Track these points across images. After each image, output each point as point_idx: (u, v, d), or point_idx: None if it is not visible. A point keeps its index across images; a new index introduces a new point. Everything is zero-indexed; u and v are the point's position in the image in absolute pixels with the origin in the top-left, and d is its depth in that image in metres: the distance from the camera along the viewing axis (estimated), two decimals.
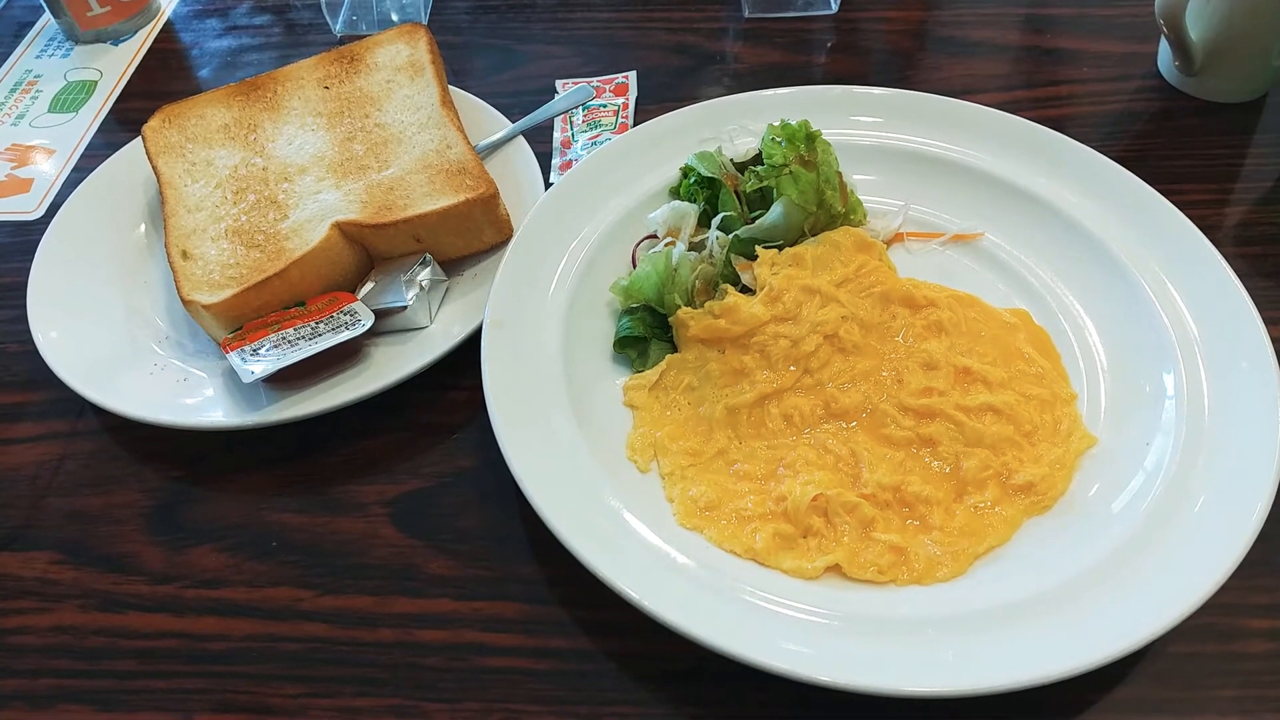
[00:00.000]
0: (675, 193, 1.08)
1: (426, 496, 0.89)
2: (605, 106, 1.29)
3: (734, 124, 1.12)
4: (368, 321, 0.96)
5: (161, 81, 1.43)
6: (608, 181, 1.08)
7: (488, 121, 1.20)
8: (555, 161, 1.23)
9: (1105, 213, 1.02)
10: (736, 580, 0.76)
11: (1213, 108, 1.23)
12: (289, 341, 0.96)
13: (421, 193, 1.04)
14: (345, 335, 0.95)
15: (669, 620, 0.71)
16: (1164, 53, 1.28)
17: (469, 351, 0.91)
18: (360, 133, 1.13)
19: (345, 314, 0.98)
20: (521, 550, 0.84)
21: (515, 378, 0.91)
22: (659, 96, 1.23)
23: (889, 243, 1.07)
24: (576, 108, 1.27)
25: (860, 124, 1.13)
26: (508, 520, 0.86)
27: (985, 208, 1.06)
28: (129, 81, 1.44)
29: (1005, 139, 1.10)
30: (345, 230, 1.02)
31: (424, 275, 1.01)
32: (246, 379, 0.92)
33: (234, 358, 0.94)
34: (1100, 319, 0.97)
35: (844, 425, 0.88)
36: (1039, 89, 1.29)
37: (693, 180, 1.06)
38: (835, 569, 0.78)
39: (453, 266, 1.06)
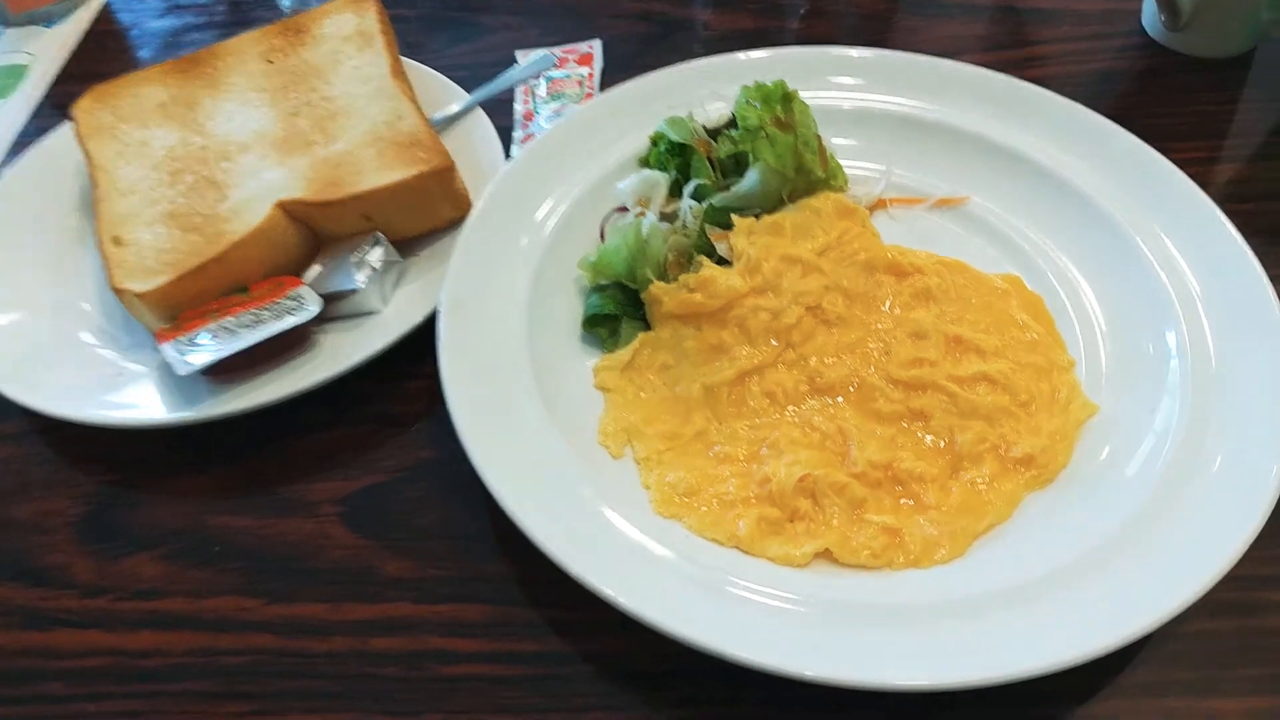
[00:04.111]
0: (645, 162, 1.02)
1: (382, 493, 0.84)
2: (569, 77, 1.22)
3: (705, 89, 1.06)
4: (314, 307, 0.89)
5: (98, 64, 1.34)
6: (573, 152, 1.02)
7: (443, 94, 1.13)
8: (517, 135, 1.16)
9: (1096, 170, 0.98)
10: (719, 571, 0.72)
11: (1199, 64, 1.19)
12: (229, 330, 0.89)
13: (371, 167, 0.97)
14: (290, 322, 0.88)
15: (648, 618, 0.66)
16: (1148, 8, 1.24)
17: (427, 336, 0.85)
18: (306, 107, 1.05)
19: (290, 299, 0.91)
20: (486, 547, 0.79)
21: (475, 362, 0.84)
22: (625, 66, 1.16)
23: (871, 209, 1.01)
24: (538, 77, 1.21)
25: (838, 86, 1.08)
26: (471, 516, 0.81)
27: (971, 170, 1.02)
28: (64, 65, 1.35)
29: (989, 97, 1.05)
30: (289, 210, 0.95)
31: (376, 256, 0.94)
32: (182, 371, 0.85)
33: (168, 349, 0.87)
34: (1096, 280, 0.93)
35: (830, 401, 0.83)
36: (1019, 49, 1.24)
37: (663, 148, 1.00)
38: (825, 555, 0.74)
39: (408, 247, 0.99)
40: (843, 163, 1.02)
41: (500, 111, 1.15)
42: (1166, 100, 1.15)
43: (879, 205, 1.02)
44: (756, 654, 0.66)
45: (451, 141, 1.07)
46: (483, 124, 1.09)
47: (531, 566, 0.72)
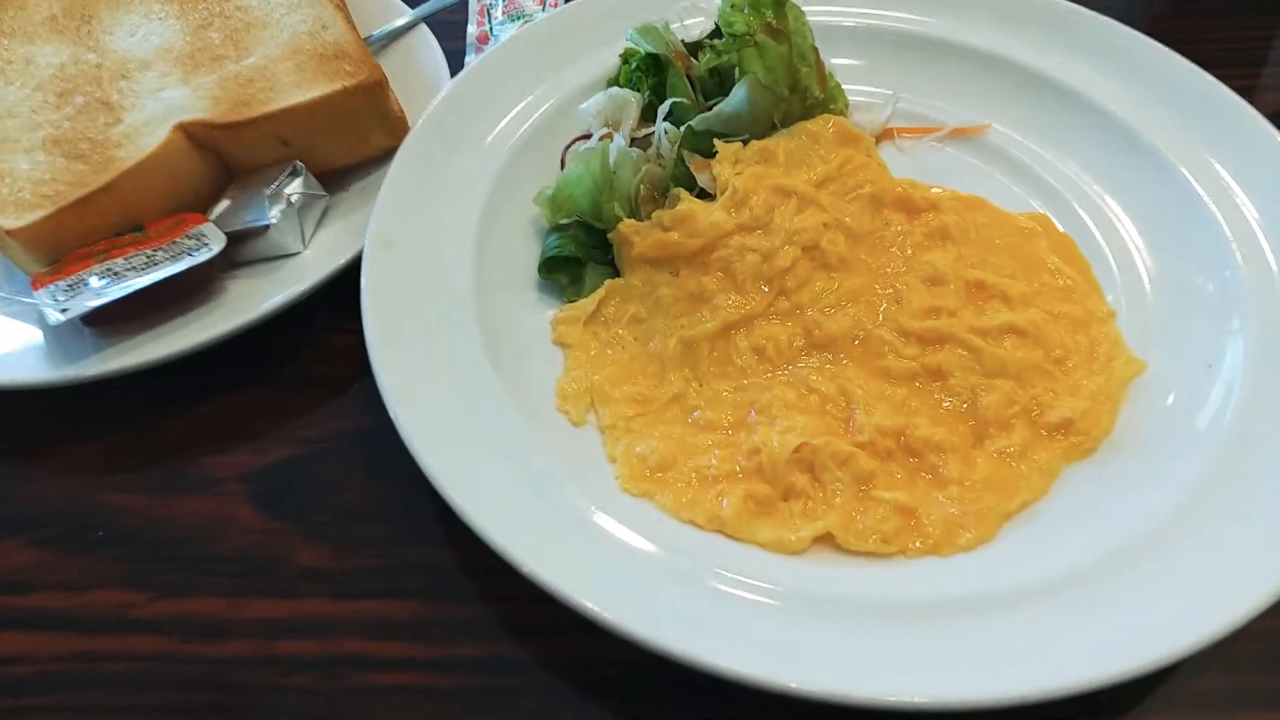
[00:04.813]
0: (615, 83, 0.89)
1: (299, 467, 0.75)
2: None
3: (685, 0, 0.92)
4: (216, 246, 0.77)
5: None
6: (530, 69, 0.89)
7: (382, 8, 1.00)
8: (470, 60, 1.03)
9: (1133, 92, 0.88)
10: (698, 560, 0.63)
11: None
12: (116, 274, 0.76)
13: (288, 83, 0.83)
14: (187, 263, 0.76)
15: (610, 620, 0.57)
16: None
17: (356, 283, 0.75)
18: (218, 18, 0.92)
19: (191, 238, 0.78)
20: (422, 531, 0.70)
21: (408, 311, 0.72)
22: None
23: (876, 141, 0.90)
24: None
25: (839, 0, 0.95)
26: (404, 495, 0.72)
27: (990, 95, 0.92)
28: None
29: (1011, 13, 0.94)
30: (192, 133, 0.82)
31: (294, 188, 0.82)
32: (53, 321, 0.74)
33: (42, 295, 0.75)
34: (1138, 216, 0.83)
35: (831, 358, 0.75)
36: None
37: (635, 65, 0.86)
38: (826, 539, 0.66)
39: (336, 180, 0.87)
40: (844, 87, 0.90)
41: (451, 34, 1.03)
42: (1205, 25, 1.07)
43: (885, 136, 0.92)
44: (744, 664, 0.54)
45: (390, 61, 0.95)
46: (427, 42, 0.96)
47: (474, 555, 0.63)
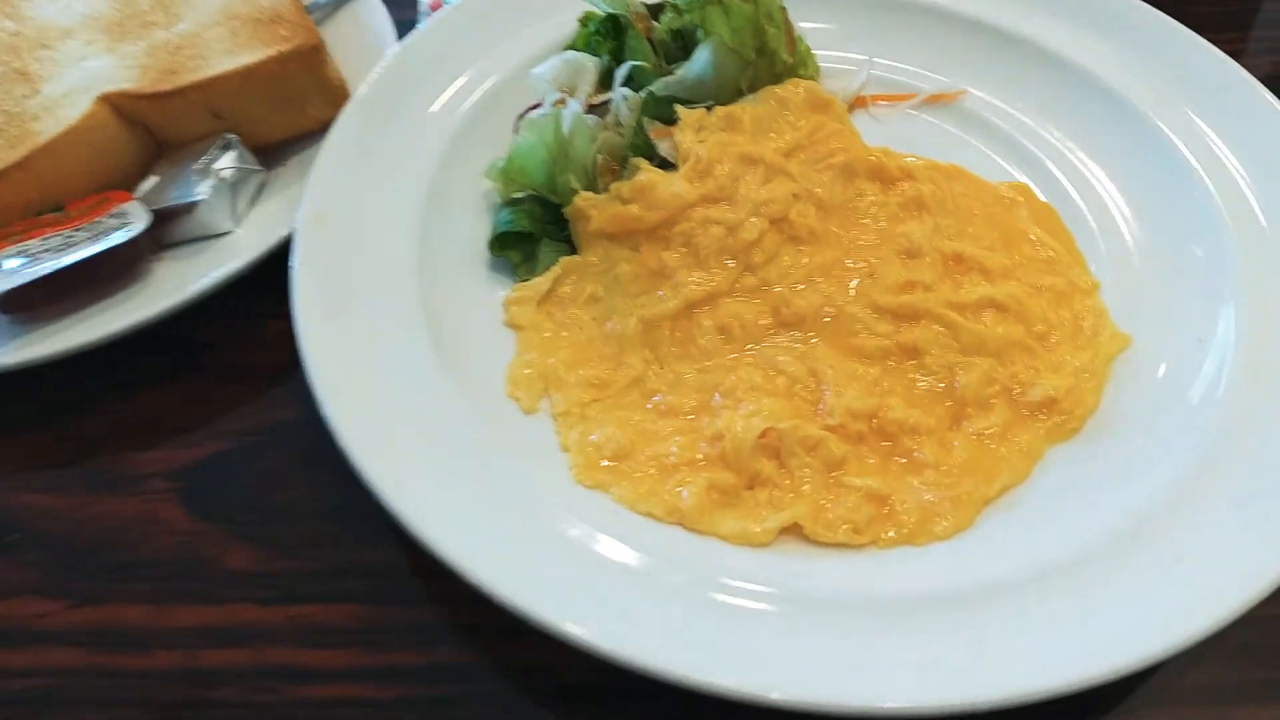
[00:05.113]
0: (572, 48, 0.83)
1: (230, 463, 0.71)
2: None
3: None
4: (139, 225, 0.73)
5: None
6: (482, 33, 0.85)
7: None
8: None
9: (1118, 55, 0.84)
10: (657, 557, 0.59)
11: None
12: (32, 255, 0.72)
13: (220, 49, 0.78)
14: (108, 243, 0.71)
15: (558, 625, 0.52)
16: None
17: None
18: None
19: (113, 217, 0.74)
20: (362, 530, 0.66)
21: (343, 293, 0.68)
22: None
23: (849, 109, 0.86)
24: None
25: None
26: (343, 490, 0.66)
27: (968, 60, 0.88)
28: None
29: None
30: (117, 105, 0.78)
31: (226, 162, 0.77)
32: None
33: None
34: (1123, 183, 0.79)
35: (800, 336, 0.71)
36: None
37: (593, 29, 0.81)
38: (794, 530, 0.62)
39: (273, 154, 0.83)
40: (815, 52, 0.86)
41: (405, 2, 0.97)
42: None
43: (858, 103, 0.88)
44: (703, 671, 0.50)
45: (335, 29, 0.90)
46: (372, 7, 0.91)
47: (419, 555, 0.59)
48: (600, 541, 0.57)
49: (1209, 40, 0.88)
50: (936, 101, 0.86)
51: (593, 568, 0.55)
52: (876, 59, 0.87)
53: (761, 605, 0.54)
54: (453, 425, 0.62)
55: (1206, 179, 0.74)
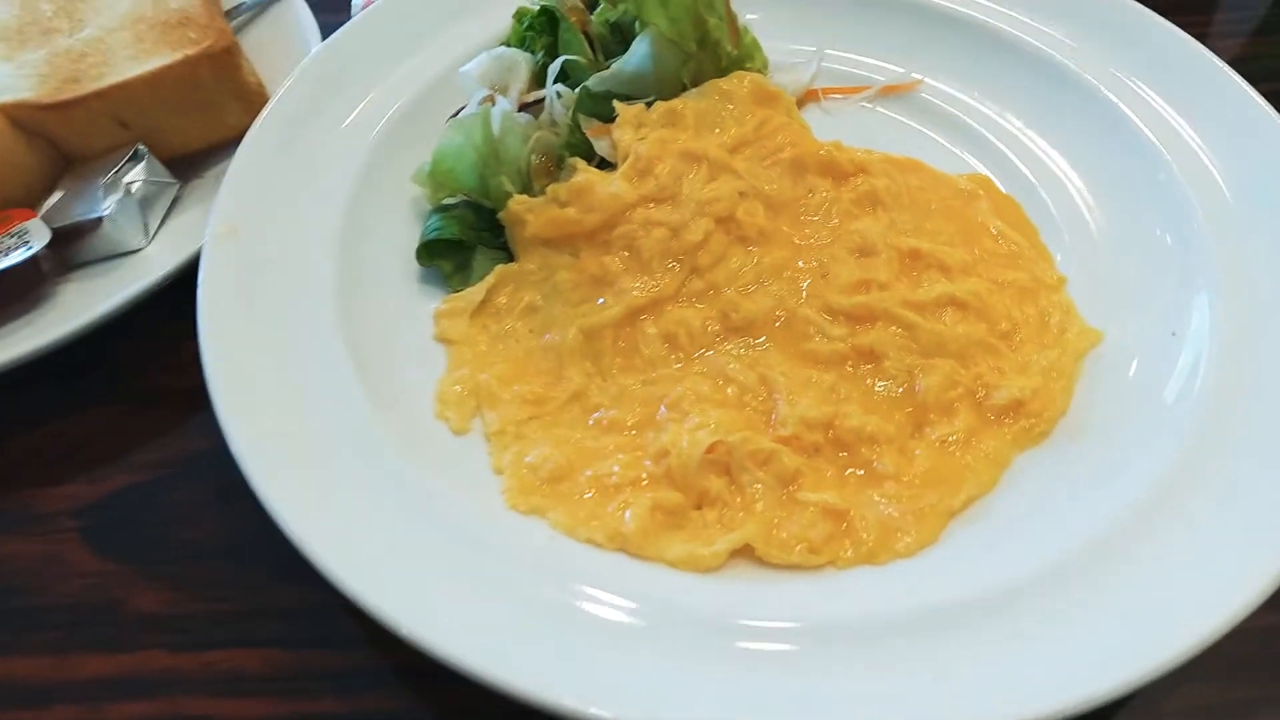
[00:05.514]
0: (506, 45, 0.79)
1: (140, 498, 0.67)
2: None
3: None
4: (38, 243, 0.69)
5: None
6: (409, 32, 0.81)
7: None
8: None
9: (1078, 40, 0.81)
10: (597, 590, 0.54)
11: None
12: None
13: (125, 55, 0.74)
14: (5, 263, 0.67)
15: (480, 671, 0.48)
16: None
17: None
18: None
19: (11, 236, 0.69)
20: (280, 568, 0.61)
21: (254, 311, 0.63)
22: None
23: (800, 103, 0.83)
24: None
25: None
26: (260, 526, 0.60)
27: (923, 49, 0.85)
28: None
29: None
30: (15, 117, 0.74)
31: (135, 175, 0.73)
32: None
33: None
34: (1087, 172, 0.76)
35: (750, 343, 0.68)
36: None
37: (527, 24, 0.77)
38: (745, 552, 0.58)
39: (189, 165, 0.79)
40: (762, 44, 0.83)
41: (334, 7, 0.93)
42: None
43: (809, 97, 0.84)
44: (644, 714, 0.44)
45: (257, 33, 0.86)
46: (297, 11, 0.86)
47: (339, 595, 0.53)
48: (532, 575, 0.52)
49: (1174, 23, 0.86)
50: (892, 93, 0.83)
51: (523, 604, 0.50)
52: (828, 50, 0.84)
53: (717, 640, 0.50)
54: (373, 452, 0.57)
55: (1173, 163, 0.71)
